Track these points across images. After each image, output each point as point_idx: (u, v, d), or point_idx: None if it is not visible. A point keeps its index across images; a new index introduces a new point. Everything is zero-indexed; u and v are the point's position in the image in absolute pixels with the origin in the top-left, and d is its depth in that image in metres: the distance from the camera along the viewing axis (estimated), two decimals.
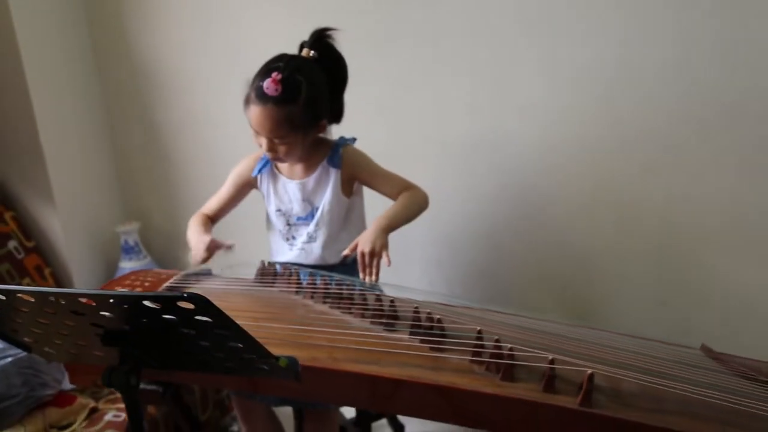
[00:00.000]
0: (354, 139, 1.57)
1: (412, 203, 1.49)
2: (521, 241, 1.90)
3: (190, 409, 1.66)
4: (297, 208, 1.56)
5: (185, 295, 0.70)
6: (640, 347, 1.18)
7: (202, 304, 0.71)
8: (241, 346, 0.84)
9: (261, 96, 1.36)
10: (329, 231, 1.54)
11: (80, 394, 1.67)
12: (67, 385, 1.67)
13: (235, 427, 2.07)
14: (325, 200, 1.52)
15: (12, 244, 2.08)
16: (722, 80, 1.56)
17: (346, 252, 1.39)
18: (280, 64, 1.38)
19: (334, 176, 1.52)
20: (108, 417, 1.61)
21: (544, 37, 1.71)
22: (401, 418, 2.11)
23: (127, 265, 2.31)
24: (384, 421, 2.10)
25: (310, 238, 1.55)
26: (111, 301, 0.76)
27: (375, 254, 1.34)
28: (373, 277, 1.34)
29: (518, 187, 1.86)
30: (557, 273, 1.88)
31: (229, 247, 1.49)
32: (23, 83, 2.03)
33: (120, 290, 1.34)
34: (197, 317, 0.76)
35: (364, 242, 1.36)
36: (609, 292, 1.83)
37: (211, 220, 1.63)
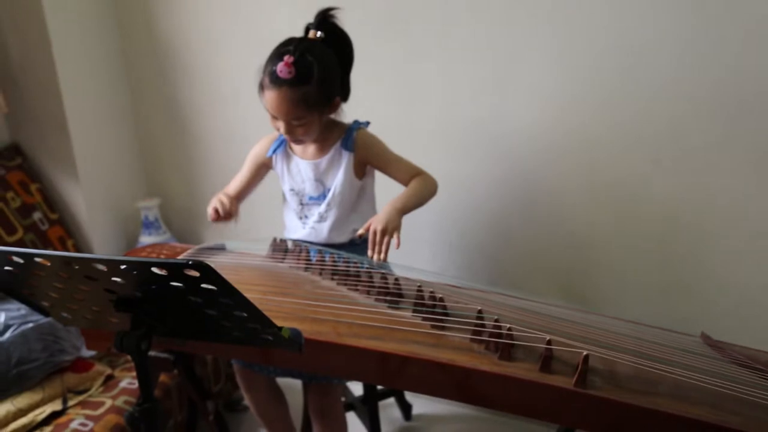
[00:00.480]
0: (368, 123, 1.60)
1: (423, 189, 1.53)
2: (528, 228, 1.92)
3: (201, 379, 1.71)
4: (309, 187, 1.59)
5: (190, 262, 0.73)
6: (638, 332, 1.19)
7: (207, 271, 0.75)
8: (245, 315, 0.88)
9: (275, 80, 1.39)
10: (339, 212, 1.57)
11: (97, 362, 1.74)
12: (85, 352, 1.73)
13: (245, 401, 2.13)
14: (337, 182, 1.55)
15: (37, 215, 2.14)
16: (729, 78, 1.56)
17: (360, 231, 1.43)
18: (290, 47, 1.41)
19: (346, 159, 1.54)
20: (123, 384, 1.67)
21: (557, 25, 1.71)
22: (408, 398, 2.15)
23: (147, 240, 2.37)
24: (392, 400, 2.14)
25: (321, 218, 1.59)
26: (122, 267, 0.79)
27: (387, 232, 1.38)
28: (382, 255, 1.37)
29: (526, 175, 1.87)
30: (561, 260, 1.90)
31: (235, 219, 1.56)
32: (51, 62, 2.09)
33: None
34: (203, 285, 0.80)
35: (377, 221, 1.39)
36: (611, 281, 1.84)
37: (235, 198, 1.67)
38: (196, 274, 0.76)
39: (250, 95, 1.98)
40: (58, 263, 0.85)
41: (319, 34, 1.46)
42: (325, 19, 1.47)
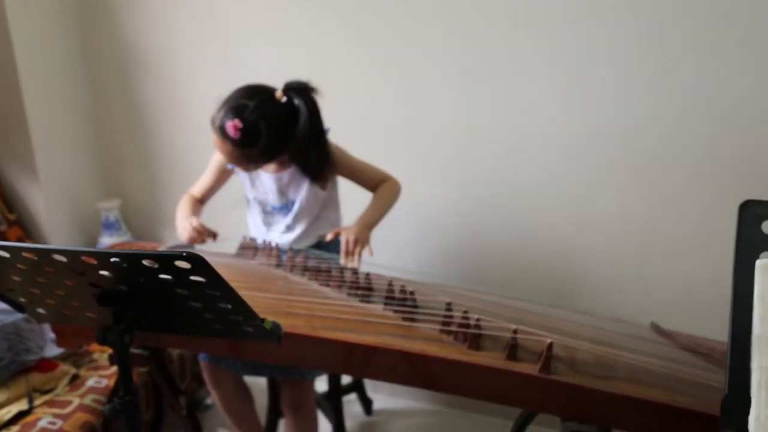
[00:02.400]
0: (327, 130, 1.59)
1: (388, 200, 1.62)
2: (501, 230, 1.99)
3: (171, 376, 1.71)
4: (272, 198, 1.62)
5: (183, 254, 0.76)
6: (596, 322, 1.27)
7: (199, 263, 0.78)
8: (230, 307, 0.91)
9: (221, 132, 1.43)
10: (307, 223, 1.63)
11: (62, 362, 1.72)
12: (49, 352, 1.72)
13: (209, 400, 2.14)
14: (301, 196, 1.59)
15: None
16: (673, 92, 1.67)
17: (329, 236, 1.49)
18: (248, 104, 1.42)
19: None
20: (90, 383, 1.66)
21: (537, 36, 1.78)
22: (369, 393, 2.20)
23: (107, 241, 2.35)
24: (353, 396, 2.18)
25: (288, 229, 1.63)
26: (112, 259, 0.81)
27: (358, 242, 1.46)
28: (355, 264, 1.45)
29: (492, 176, 1.95)
30: (536, 260, 1.98)
31: (215, 236, 1.57)
32: (12, 61, 2.06)
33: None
34: (192, 277, 0.83)
35: (350, 231, 1.48)
36: (574, 279, 1.93)
37: (199, 201, 1.72)
38: (186, 266, 0.79)
39: (211, 96, 2.00)
40: (45, 258, 0.86)
41: (284, 98, 1.47)
42: (297, 90, 1.47)
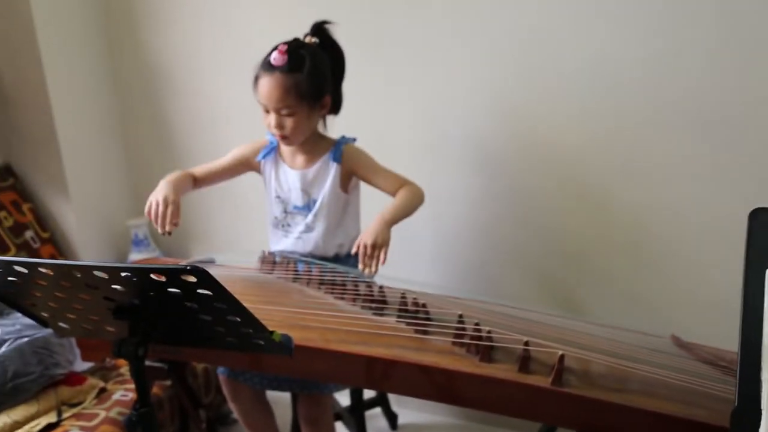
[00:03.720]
0: (354, 139, 1.66)
1: (411, 199, 1.57)
2: (517, 238, 1.98)
3: (192, 389, 1.74)
4: (295, 196, 1.64)
5: (188, 267, 0.78)
6: (611, 334, 1.25)
7: (203, 276, 0.80)
8: (238, 320, 0.93)
9: (269, 67, 1.48)
10: (327, 223, 1.62)
11: (90, 375, 1.77)
12: (78, 366, 1.76)
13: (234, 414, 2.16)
14: (324, 192, 1.60)
15: (29, 234, 2.18)
16: (703, 86, 1.64)
17: (354, 250, 1.43)
18: (285, 42, 1.51)
19: (333, 170, 1.60)
20: (116, 396, 1.70)
21: (534, 39, 1.78)
22: (394, 407, 2.20)
23: (136, 257, 2.40)
24: (378, 410, 2.18)
25: (308, 228, 1.63)
26: (122, 274, 0.84)
27: (377, 247, 1.40)
28: (373, 269, 1.41)
29: (509, 187, 1.94)
30: (546, 269, 1.96)
31: (169, 233, 1.44)
32: (42, 83, 2.14)
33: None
34: (199, 290, 0.85)
35: (367, 235, 1.42)
36: (593, 288, 1.90)
37: (196, 181, 1.63)
38: (193, 279, 0.81)
39: (238, 115, 2.04)
40: (61, 272, 0.89)
41: (314, 39, 1.55)
42: (320, 29, 1.57)
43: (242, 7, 2.15)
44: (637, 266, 1.82)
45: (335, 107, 1.63)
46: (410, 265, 2.11)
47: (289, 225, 1.67)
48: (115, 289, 0.89)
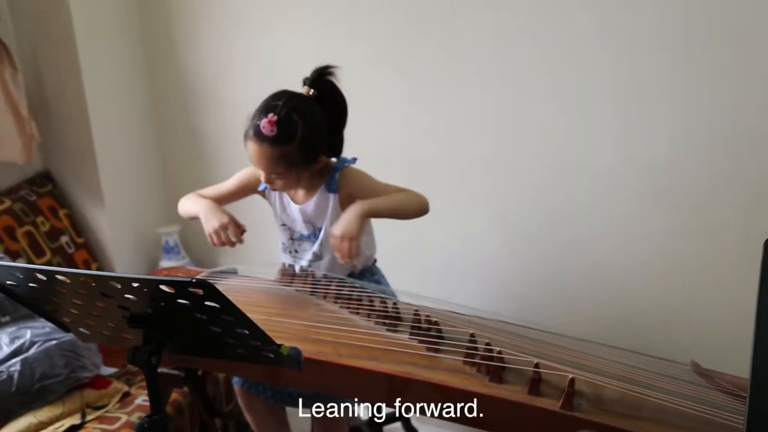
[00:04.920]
0: (354, 159, 1.58)
1: (402, 199, 1.51)
2: (541, 257, 1.97)
3: (213, 399, 1.77)
4: (300, 226, 1.61)
5: (194, 280, 0.80)
6: (628, 359, 1.23)
7: (209, 289, 0.82)
8: (247, 332, 0.95)
9: (258, 134, 1.41)
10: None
11: (116, 380, 1.81)
12: (104, 370, 1.81)
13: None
14: (326, 224, 1.56)
15: (64, 239, 2.25)
16: (729, 112, 1.61)
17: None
18: (278, 103, 1.43)
19: (332, 200, 1.55)
20: (138, 401, 1.73)
21: (579, 66, 1.77)
22: (415, 423, 2.18)
23: (167, 264, 2.46)
24: (398, 424, 2.17)
25: (316, 257, 1.60)
26: (134, 284, 0.87)
27: (344, 238, 1.38)
28: (348, 259, 1.40)
29: (537, 205, 1.93)
30: (573, 295, 1.94)
31: (241, 239, 1.52)
32: (81, 94, 2.22)
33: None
34: (206, 303, 0.87)
35: (336, 226, 1.41)
36: (619, 316, 1.87)
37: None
38: (199, 291, 0.83)
39: None
40: (77, 280, 0.93)
41: (312, 91, 1.48)
42: (320, 77, 1.48)
43: (274, 23, 2.19)
44: (665, 292, 1.79)
45: (334, 151, 1.56)
46: (434, 285, 2.10)
47: (296, 251, 1.65)
48: (128, 298, 0.92)
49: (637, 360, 1.27)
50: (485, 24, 1.85)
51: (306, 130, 1.42)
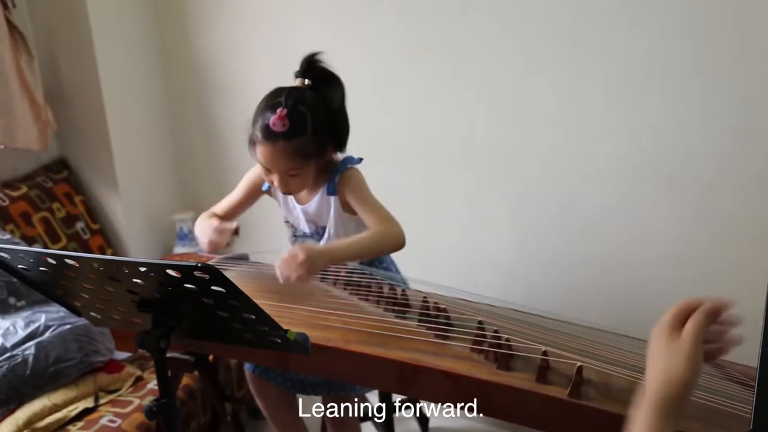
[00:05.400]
0: (360, 160, 1.56)
1: (372, 241, 1.44)
2: (551, 247, 1.95)
3: (224, 384, 1.78)
4: (303, 225, 1.60)
5: (199, 265, 0.81)
6: (638, 348, 1.22)
7: (215, 274, 0.82)
8: (253, 317, 0.95)
9: (269, 134, 1.37)
10: None
11: (129, 364, 1.83)
12: (117, 354, 1.83)
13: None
14: (330, 224, 1.55)
15: (79, 225, 2.28)
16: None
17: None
18: (281, 98, 1.40)
19: (333, 202, 1.53)
20: (150, 385, 1.76)
21: (567, 49, 1.77)
22: (426, 411, 2.19)
23: (181, 251, 2.47)
24: (410, 413, 2.18)
25: None
26: (141, 269, 0.87)
27: (301, 264, 1.30)
28: (286, 276, 1.32)
29: (549, 194, 1.92)
30: (589, 284, 1.93)
31: (235, 231, 1.49)
32: (97, 83, 2.24)
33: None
34: (213, 287, 0.87)
35: (304, 248, 1.32)
36: (634, 305, 1.86)
37: (221, 218, 1.62)
38: (205, 276, 0.84)
39: None
40: (86, 265, 0.93)
41: (306, 82, 1.45)
42: (311, 65, 1.45)
43: (290, 10, 2.19)
44: (681, 280, 1.77)
45: (340, 143, 1.51)
46: (447, 272, 2.10)
47: None
48: (136, 282, 0.92)
49: (645, 347, 1.26)
50: (498, 12, 1.84)
51: (314, 120, 1.40)
